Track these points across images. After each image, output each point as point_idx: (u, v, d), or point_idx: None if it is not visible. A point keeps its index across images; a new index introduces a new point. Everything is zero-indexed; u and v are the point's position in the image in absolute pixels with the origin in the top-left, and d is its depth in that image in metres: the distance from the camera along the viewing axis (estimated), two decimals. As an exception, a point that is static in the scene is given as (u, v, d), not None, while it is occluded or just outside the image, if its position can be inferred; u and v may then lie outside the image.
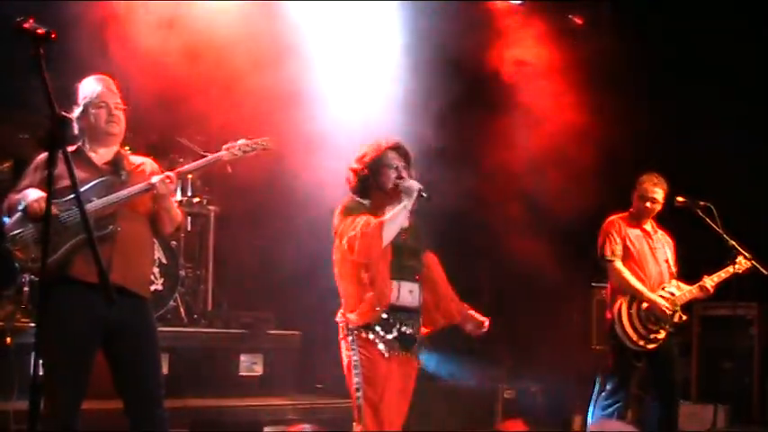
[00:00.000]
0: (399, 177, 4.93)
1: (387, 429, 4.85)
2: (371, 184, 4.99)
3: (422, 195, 4.85)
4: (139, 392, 4.76)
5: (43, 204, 4.10)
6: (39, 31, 3.41)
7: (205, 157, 7.86)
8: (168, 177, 4.74)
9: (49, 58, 3.43)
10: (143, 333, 4.80)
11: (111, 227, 4.62)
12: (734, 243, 6.96)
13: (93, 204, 4.55)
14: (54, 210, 4.31)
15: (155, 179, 4.73)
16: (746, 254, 6.96)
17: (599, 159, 8.84)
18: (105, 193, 4.67)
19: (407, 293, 4.96)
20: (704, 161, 8.95)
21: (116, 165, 4.85)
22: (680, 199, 7.03)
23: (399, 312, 4.93)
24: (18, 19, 3.42)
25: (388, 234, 4.77)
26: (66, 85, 4.70)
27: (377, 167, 4.97)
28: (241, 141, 4.93)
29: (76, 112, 4.81)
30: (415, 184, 4.86)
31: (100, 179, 4.73)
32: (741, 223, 7.15)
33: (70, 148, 4.66)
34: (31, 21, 3.43)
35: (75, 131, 4.82)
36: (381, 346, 4.88)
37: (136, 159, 5.03)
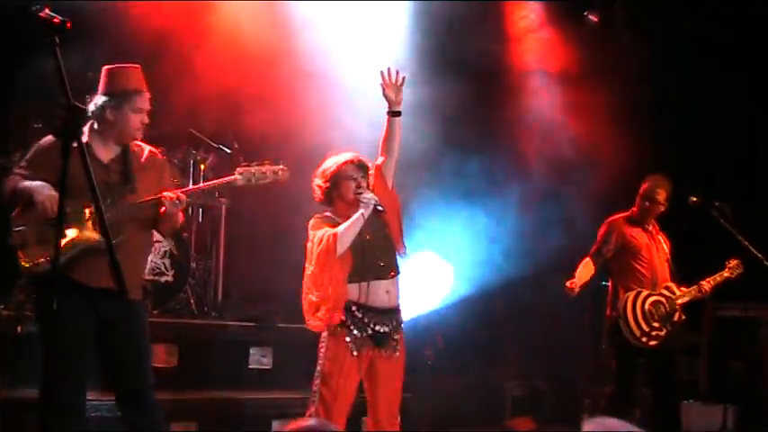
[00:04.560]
0: (358, 187, 5.25)
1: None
2: (335, 195, 5.34)
3: (377, 209, 5.18)
4: (129, 384, 4.81)
5: (56, 207, 4.22)
6: (54, 19, 3.41)
7: (215, 147, 8.03)
8: (179, 197, 4.73)
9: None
10: (133, 329, 4.83)
11: (119, 236, 4.56)
12: (746, 243, 6.97)
13: (110, 215, 4.46)
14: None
15: (166, 197, 4.69)
16: (758, 254, 6.96)
17: (612, 159, 8.84)
18: (111, 197, 4.61)
19: (384, 294, 5.25)
20: (720, 158, 8.95)
21: (124, 164, 4.80)
22: (694, 199, 7.05)
23: (373, 312, 5.21)
24: (34, 7, 3.42)
25: (343, 243, 5.13)
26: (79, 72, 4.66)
27: (337, 180, 5.32)
28: (255, 166, 4.92)
29: (100, 101, 4.72)
30: (372, 198, 5.18)
31: (108, 183, 4.66)
32: (755, 223, 7.16)
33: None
34: (46, 9, 3.43)
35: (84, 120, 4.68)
36: (351, 344, 5.15)
37: (140, 151, 4.96)
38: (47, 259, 4.41)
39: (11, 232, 4.61)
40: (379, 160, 5.47)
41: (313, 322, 5.21)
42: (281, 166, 4.97)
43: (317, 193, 5.41)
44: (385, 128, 5.45)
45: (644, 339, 6.84)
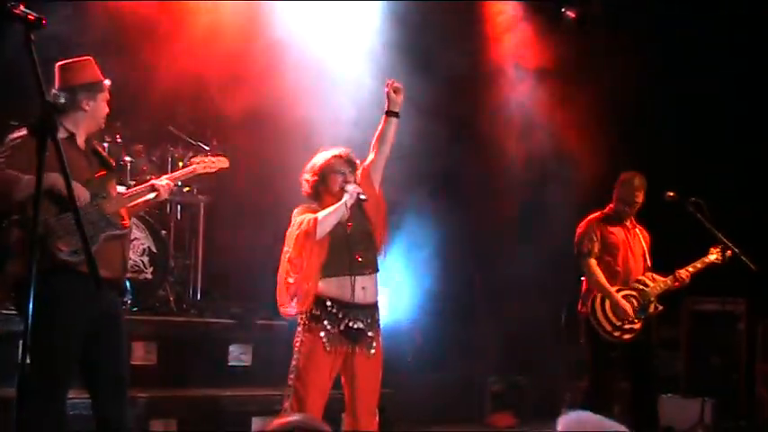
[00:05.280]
0: (345, 182, 5.29)
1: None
2: (322, 189, 5.36)
3: (360, 198, 5.23)
4: (111, 380, 4.79)
5: (88, 196, 4.53)
6: (29, 16, 3.38)
7: (193, 145, 8.02)
8: (168, 185, 5.02)
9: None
10: (121, 324, 4.88)
11: (126, 226, 4.81)
12: (722, 238, 7.00)
13: (113, 204, 4.74)
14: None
15: (159, 185, 4.98)
16: (735, 249, 6.99)
17: (590, 156, 8.88)
18: (110, 187, 4.82)
19: (360, 290, 5.23)
20: (695, 155, 8.99)
21: (96, 154, 4.93)
22: (670, 194, 7.06)
23: (348, 308, 5.21)
24: (9, 4, 3.39)
25: (323, 227, 5.17)
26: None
27: (325, 174, 5.36)
28: (206, 157, 5.55)
29: (74, 92, 4.75)
30: (356, 188, 5.24)
31: (110, 173, 4.86)
32: (730, 218, 7.19)
33: (62, 135, 4.63)
34: (21, 6, 3.40)
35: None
36: (324, 339, 5.17)
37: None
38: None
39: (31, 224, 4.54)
40: (369, 157, 5.51)
41: (286, 308, 5.23)
42: (221, 158, 5.54)
43: (305, 187, 5.44)
44: (381, 127, 5.50)
45: (616, 334, 6.86)
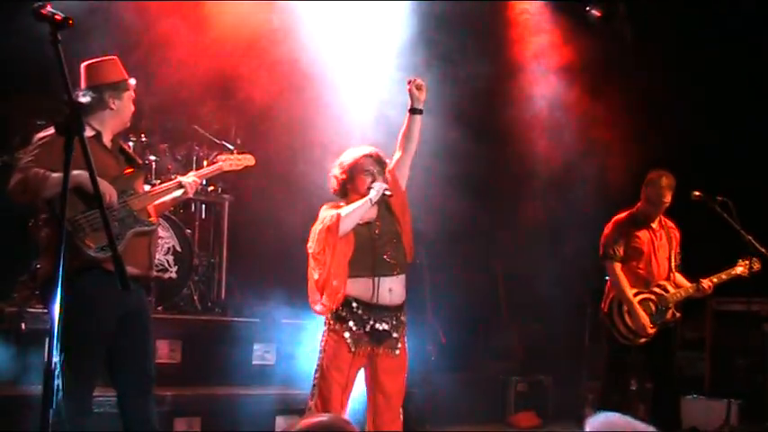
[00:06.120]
0: (374, 181, 5.26)
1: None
2: (350, 188, 5.36)
3: (385, 194, 5.23)
4: (137, 376, 4.81)
5: (115, 193, 4.58)
6: (56, 16, 3.41)
7: (218, 144, 8.05)
8: (195, 182, 5.10)
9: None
10: (147, 320, 4.91)
11: (154, 223, 4.86)
12: (750, 238, 6.93)
13: (141, 201, 4.79)
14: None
15: (187, 183, 5.04)
16: (762, 249, 6.93)
17: (616, 160, 8.84)
18: (137, 184, 4.85)
19: (386, 292, 5.21)
20: (721, 154, 8.94)
21: (123, 152, 4.97)
22: (697, 193, 6.98)
23: (373, 309, 5.19)
24: (36, 4, 3.42)
25: (346, 223, 5.16)
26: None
27: (354, 173, 5.31)
28: (233, 155, 5.62)
29: (101, 91, 4.77)
30: (381, 185, 5.23)
31: (137, 171, 4.91)
32: (759, 217, 7.14)
33: (89, 133, 4.65)
34: (48, 6, 3.43)
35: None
36: (349, 340, 5.15)
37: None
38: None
39: (59, 221, 4.56)
40: (396, 156, 5.49)
41: (316, 306, 5.20)
42: (247, 155, 5.58)
43: (333, 184, 5.43)
44: (405, 125, 5.48)
45: (631, 336, 6.82)
